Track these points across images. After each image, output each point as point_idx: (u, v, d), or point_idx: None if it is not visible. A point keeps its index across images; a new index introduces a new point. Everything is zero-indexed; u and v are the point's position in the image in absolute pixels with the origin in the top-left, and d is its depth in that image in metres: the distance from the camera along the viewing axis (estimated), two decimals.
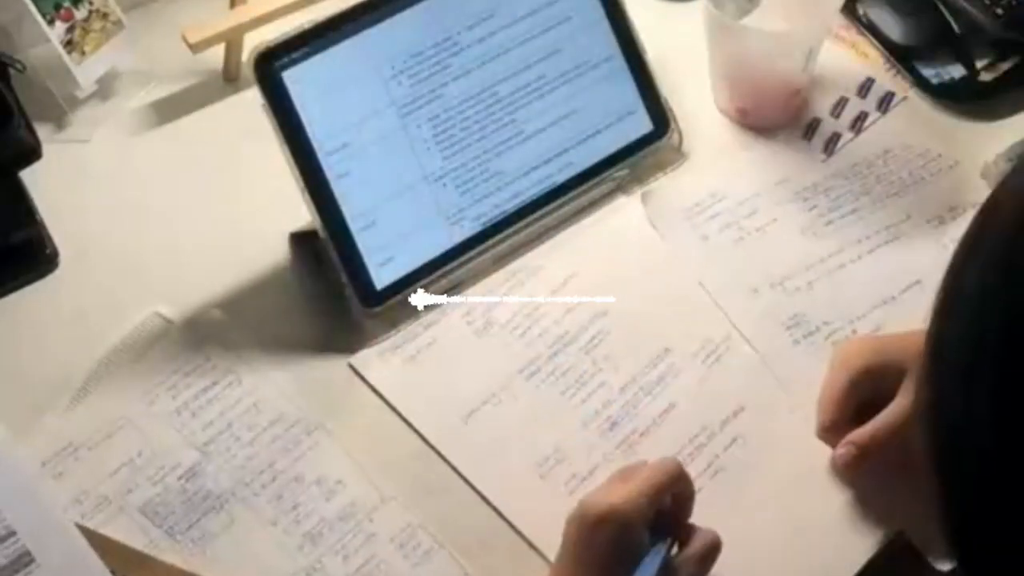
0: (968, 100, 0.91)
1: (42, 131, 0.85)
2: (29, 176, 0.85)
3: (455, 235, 0.83)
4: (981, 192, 0.86)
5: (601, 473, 0.73)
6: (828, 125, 0.91)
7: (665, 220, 0.86)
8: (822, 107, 0.92)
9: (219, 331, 0.81)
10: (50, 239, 0.86)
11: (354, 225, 0.79)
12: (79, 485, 0.73)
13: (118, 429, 0.76)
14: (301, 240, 0.84)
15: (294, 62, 0.77)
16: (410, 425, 0.76)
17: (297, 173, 0.77)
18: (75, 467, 0.74)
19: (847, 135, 0.91)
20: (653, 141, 0.88)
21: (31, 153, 0.80)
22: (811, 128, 0.91)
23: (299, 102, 0.77)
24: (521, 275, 0.84)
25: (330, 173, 0.78)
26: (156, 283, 0.83)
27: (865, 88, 0.93)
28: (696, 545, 0.66)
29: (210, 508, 0.73)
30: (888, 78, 0.94)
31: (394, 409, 0.77)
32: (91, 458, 0.75)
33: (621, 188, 0.88)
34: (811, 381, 0.75)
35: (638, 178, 0.88)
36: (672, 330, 0.80)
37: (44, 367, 0.79)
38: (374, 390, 0.78)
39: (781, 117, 0.91)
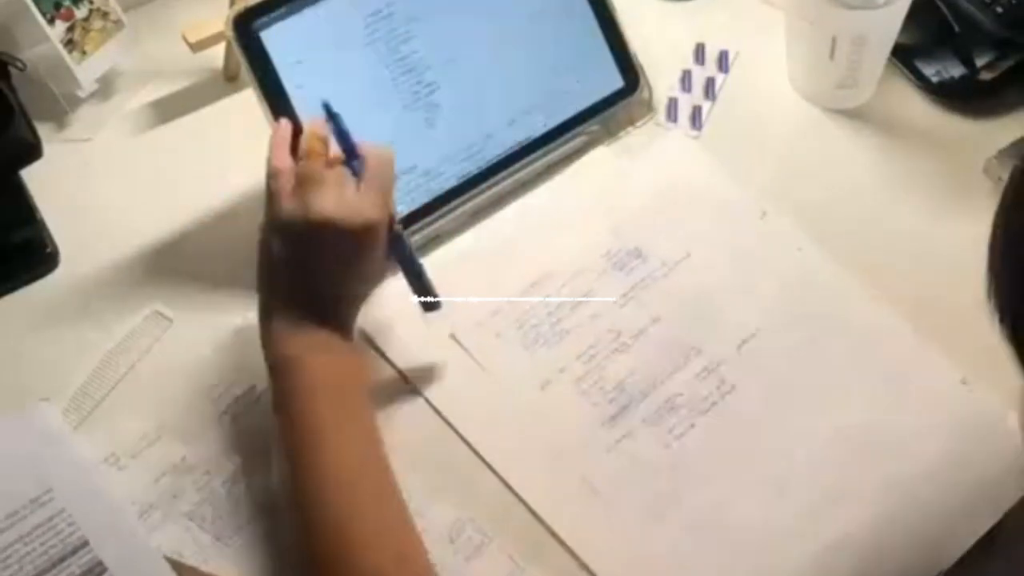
0: (968, 99, 0.91)
1: (43, 130, 0.85)
2: (29, 175, 0.85)
3: (432, 190, 0.84)
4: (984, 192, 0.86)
5: None
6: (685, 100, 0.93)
7: None
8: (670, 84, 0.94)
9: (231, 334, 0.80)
10: (50, 239, 0.86)
11: None
12: (123, 494, 0.72)
13: (159, 437, 0.75)
14: None
15: (274, 21, 0.78)
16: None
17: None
18: (118, 476, 0.73)
19: (706, 104, 0.93)
20: (625, 96, 0.90)
21: (32, 152, 0.80)
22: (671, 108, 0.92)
23: (277, 61, 0.78)
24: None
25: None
26: (156, 282, 0.83)
27: (699, 55, 0.95)
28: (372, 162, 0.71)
29: (257, 513, 0.72)
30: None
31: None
32: (134, 466, 0.74)
33: (592, 142, 0.90)
34: None
35: (608, 131, 0.90)
36: None
37: (44, 366, 0.79)
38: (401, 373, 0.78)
39: None
